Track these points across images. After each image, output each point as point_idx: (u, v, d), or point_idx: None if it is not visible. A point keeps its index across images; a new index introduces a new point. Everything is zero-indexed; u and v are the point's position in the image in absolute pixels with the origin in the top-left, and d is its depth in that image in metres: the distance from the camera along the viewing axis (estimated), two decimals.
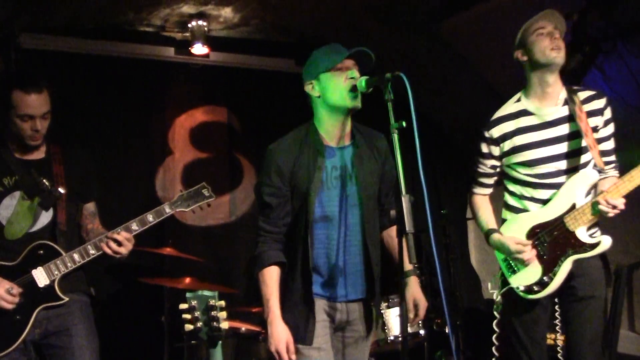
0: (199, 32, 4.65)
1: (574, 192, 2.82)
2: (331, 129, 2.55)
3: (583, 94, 2.87)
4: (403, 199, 2.25)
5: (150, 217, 2.87)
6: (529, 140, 2.88)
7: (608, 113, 2.87)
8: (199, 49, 4.69)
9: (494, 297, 3.00)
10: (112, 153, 4.64)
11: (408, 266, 2.70)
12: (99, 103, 4.63)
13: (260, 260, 2.53)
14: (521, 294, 2.89)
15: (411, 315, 2.62)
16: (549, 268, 2.84)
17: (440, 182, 4.91)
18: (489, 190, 3.12)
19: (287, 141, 2.58)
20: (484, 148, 3.00)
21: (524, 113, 2.91)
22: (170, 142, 4.87)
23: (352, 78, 2.47)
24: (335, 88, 2.49)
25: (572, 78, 3.85)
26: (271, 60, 5.10)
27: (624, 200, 2.73)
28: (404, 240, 2.23)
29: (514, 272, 2.93)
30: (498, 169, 3.04)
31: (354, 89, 2.47)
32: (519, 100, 2.95)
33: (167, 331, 4.11)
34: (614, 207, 2.71)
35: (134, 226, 2.83)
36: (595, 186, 2.84)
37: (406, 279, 2.65)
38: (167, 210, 2.92)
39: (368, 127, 2.68)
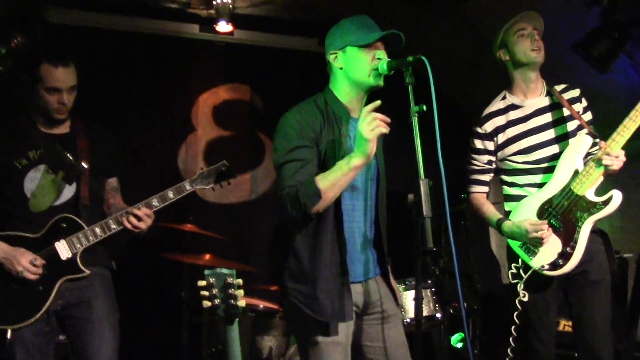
0: (224, 9, 4.64)
1: (573, 158, 2.92)
2: (350, 101, 2.52)
3: (559, 87, 3.07)
4: (421, 182, 2.25)
5: (170, 194, 2.90)
6: (521, 130, 3.02)
7: (585, 101, 3.06)
8: (224, 26, 4.68)
9: (518, 289, 2.97)
10: (136, 129, 4.68)
11: None
12: (123, 79, 4.67)
13: (307, 181, 2.32)
14: (546, 273, 2.88)
15: None
16: (569, 237, 2.87)
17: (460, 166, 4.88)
18: (486, 189, 3.16)
19: (308, 106, 2.51)
20: (478, 144, 3.10)
21: (512, 107, 3.08)
22: (194, 119, 4.90)
23: (378, 59, 2.46)
24: (361, 65, 2.46)
25: (599, 64, 3.81)
26: (294, 39, 5.08)
27: (623, 152, 2.83)
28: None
29: (533, 254, 2.92)
30: (493, 164, 3.11)
31: (377, 69, 2.46)
32: (504, 97, 3.13)
33: (187, 306, 4.17)
34: (616, 157, 2.80)
35: (155, 202, 2.86)
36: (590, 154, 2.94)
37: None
38: (188, 187, 2.94)
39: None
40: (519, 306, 2.94)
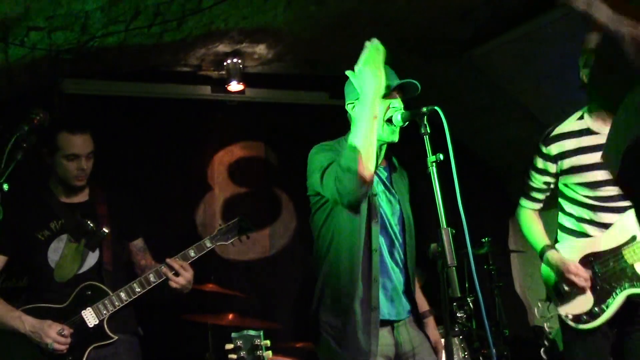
0: (235, 70, 4.73)
1: (636, 223, 2.69)
2: None
3: None
4: (444, 231, 2.24)
5: (191, 253, 2.92)
6: (592, 160, 2.74)
7: None
8: (235, 86, 4.77)
9: (543, 324, 2.92)
10: (153, 192, 4.71)
11: (426, 307, 2.70)
12: (139, 144, 4.74)
13: (342, 154, 2.35)
14: (569, 323, 2.80)
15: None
16: (602, 299, 2.73)
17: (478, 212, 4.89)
18: (539, 206, 3.02)
19: (332, 143, 2.59)
20: (540, 164, 2.91)
21: (587, 132, 2.78)
22: (210, 178, 4.95)
23: (393, 107, 2.49)
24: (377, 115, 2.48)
25: None
26: (305, 94, 5.16)
27: None
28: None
29: (562, 300, 2.83)
30: (552, 186, 2.95)
31: (390, 121, 2.48)
32: (581, 117, 2.83)
33: None
34: None
35: (175, 264, 2.86)
36: None
37: (425, 320, 2.65)
38: (208, 244, 2.97)
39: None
40: (545, 343, 2.90)
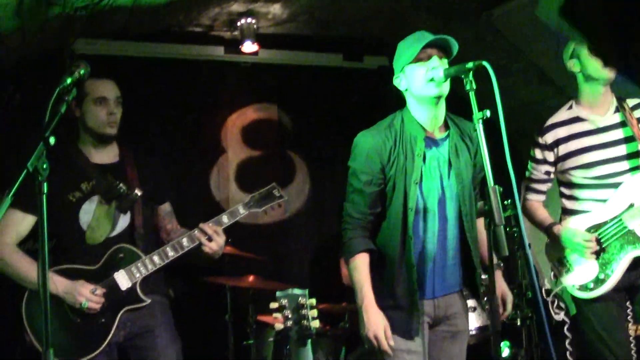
0: (248, 30, 4.64)
1: (632, 192, 2.87)
2: (425, 119, 2.51)
3: (631, 102, 2.98)
4: (491, 190, 2.22)
5: (225, 218, 2.88)
6: (584, 144, 2.96)
7: None
8: (249, 46, 4.68)
9: (548, 298, 3.02)
10: (166, 154, 4.67)
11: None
12: (151, 105, 4.66)
13: (350, 247, 2.50)
14: (576, 292, 2.93)
15: (500, 310, 2.58)
16: (606, 265, 2.87)
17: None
18: (542, 197, 3.16)
19: (381, 128, 2.54)
20: (538, 154, 3.07)
21: (577, 120, 3.00)
22: (223, 141, 4.89)
23: (433, 68, 2.44)
24: (417, 79, 2.46)
25: None
26: (319, 56, 5.08)
27: None
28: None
29: (567, 271, 2.96)
30: (552, 175, 3.10)
31: (433, 79, 2.44)
32: (570, 107, 3.05)
33: (232, 329, 4.14)
34: None
35: (208, 229, 2.82)
36: None
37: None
38: (242, 211, 2.93)
39: (459, 116, 2.64)
40: (566, 319, 2.97)
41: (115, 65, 4.57)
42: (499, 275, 2.64)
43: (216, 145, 4.87)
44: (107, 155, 2.90)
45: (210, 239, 2.80)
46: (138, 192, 2.81)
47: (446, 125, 2.57)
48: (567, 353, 3.06)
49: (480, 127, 2.27)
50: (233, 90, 4.95)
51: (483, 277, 3.77)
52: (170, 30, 4.70)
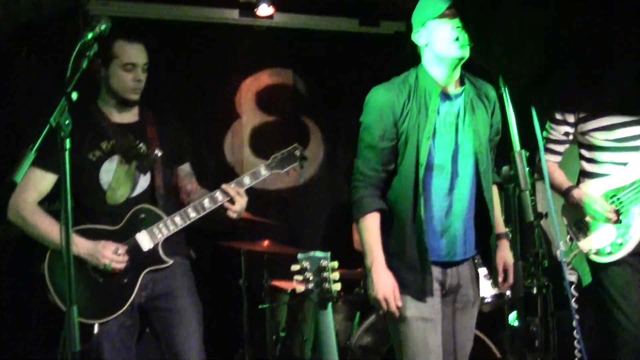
0: None
1: None
2: (441, 77, 2.46)
3: None
4: (517, 154, 2.19)
5: (246, 180, 2.85)
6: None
7: None
8: (264, 9, 4.61)
9: (564, 260, 3.02)
10: (180, 119, 4.62)
11: (501, 228, 2.67)
12: (164, 69, 4.59)
13: (360, 206, 2.44)
14: (592, 256, 2.93)
15: (500, 279, 2.56)
16: (624, 230, 2.87)
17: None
18: (559, 158, 3.15)
19: (395, 83, 2.48)
20: (558, 115, 3.05)
21: None
22: (237, 106, 4.85)
23: (458, 27, 2.38)
24: (441, 37, 2.39)
25: None
26: (335, 20, 4.99)
27: None
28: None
29: (584, 235, 2.96)
30: (570, 136, 3.07)
31: (459, 39, 2.38)
32: None
33: (246, 294, 4.16)
34: None
35: (232, 187, 2.81)
36: None
37: (498, 242, 2.60)
38: (263, 172, 2.89)
39: (476, 77, 2.59)
40: (574, 279, 2.98)
41: (128, 27, 4.53)
42: (505, 245, 2.61)
43: (230, 110, 4.83)
44: (127, 115, 2.86)
45: (232, 201, 2.77)
46: (158, 152, 2.78)
47: (461, 82, 2.52)
48: (574, 322, 3.05)
49: (507, 91, 2.24)
50: (247, 55, 4.88)
51: None
52: None
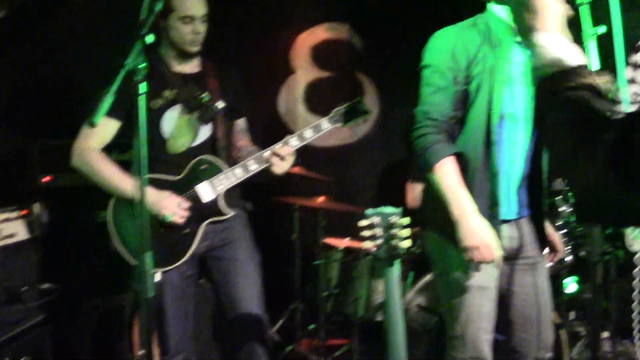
0: None
1: None
2: (513, 21, 2.32)
3: None
4: None
5: (308, 133, 2.80)
6: None
7: None
8: None
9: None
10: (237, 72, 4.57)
11: None
12: (219, 19, 4.52)
13: (435, 151, 2.24)
14: None
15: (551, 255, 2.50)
16: None
17: None
18: None
19: (464, 26, 2.33)
20: (630, 73, 2.94)
21: None
22: (292, 61, 4.76)
23: None
24: None
25: None
26: None
27: None
28: None
29: None
30: (639, 98, 2.93)
31: None
32: None
33: (299, 249, 4.15)
34: None
35: (294, 141, 2.77)
36: None
37: None
38: (326, 125, 2.83)
39: None
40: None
41: None
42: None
43: (285, 65, 4.76)
44: (188, 65, 2.82)
45: (283, 159, 2.72)
46: (221, 104, 2.74)
47: None
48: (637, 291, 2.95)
49: (591, 46, 2.08)
50: (304, 8, 4.77)
51: None
52: None
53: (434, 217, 2.38)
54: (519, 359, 2.47)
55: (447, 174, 2.23)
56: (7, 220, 2.94)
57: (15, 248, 2.98)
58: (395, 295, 2.26)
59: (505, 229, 2.36)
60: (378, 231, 2.19)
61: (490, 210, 2.29)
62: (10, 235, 2.95)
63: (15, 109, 4.01)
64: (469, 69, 2.27)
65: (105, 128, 2.66)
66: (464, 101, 2.30)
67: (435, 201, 2.35)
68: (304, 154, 4.50)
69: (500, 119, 2.28)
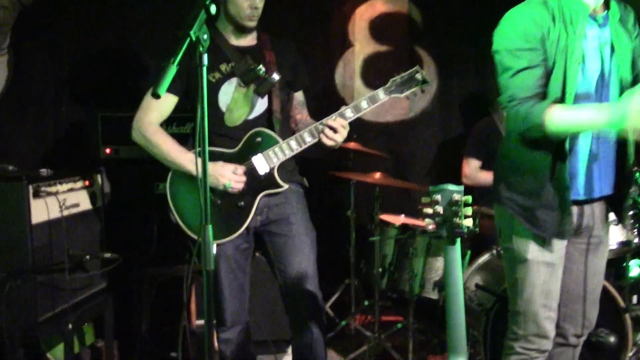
0: None
1: None
2: None
3: None
4: None
5: (364, 104, 2.74)
6: None
7: None
8: None
9: None
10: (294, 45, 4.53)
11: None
12: None
13: (536, 109, 2.12)
14: None
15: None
16: None
17: None
18: None
19: (533, 3, 2.22)
20: None
21: None
22: (350, 34, 4.69)
23: None
24: None
25: None
26: None
27: None
28: None
29: None
30: None
31: None
32: None
33: (354, 225, 4.12)
34: None
35: (349, 113, 2.73)
36: None
37: None
38: (382, 96, 2.77)
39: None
40: None
41: None
42: None
43: (343, 38, 4.69)
44: (245, 39, 2.81)
45: (337, 131, 2.68)
46: (276, 76, 2.72)
47: (606, 4, 2.26)
48: None
49: None
50: None
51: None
52: None
53: (510, 194, 2.34)
54: (562, 334, 2.47)
55: (562, 113, 2.12)
56: (71, 190, 3.01)
57: (80, 217, 3.06)
58: (457, 275, 2.21)
59: (577, 210, 2.31)
60: (440, 209, 2.14)
61: (559, 194, 2.24)
62: (75, 205, 3.02)
63: (78, 81, 4.10)
64: (544, 47, 2.18)
65: (165, 103, 2.68)
66: (546, 78, 2.20)
67: (508, 177, 2.34)
68: (361, 130, 4.49)
69: (575, 99, 2.19)
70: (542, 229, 2.27)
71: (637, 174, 3.58)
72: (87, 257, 2.93)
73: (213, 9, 1.78)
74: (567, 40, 2.17)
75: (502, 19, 2.26)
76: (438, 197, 2.14)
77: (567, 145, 2.20)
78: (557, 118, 2.10)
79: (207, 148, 1.77)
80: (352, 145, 3.99)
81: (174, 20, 3.80)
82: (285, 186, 2.72)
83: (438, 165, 4.77)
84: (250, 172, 2.68)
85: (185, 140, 2.93)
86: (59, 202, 2.84)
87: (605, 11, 2.26)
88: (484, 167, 4.09)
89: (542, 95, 2.19)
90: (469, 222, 2.15)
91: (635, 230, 3.41)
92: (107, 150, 3.49)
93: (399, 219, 3.99)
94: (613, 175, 2.35)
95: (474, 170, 4.11)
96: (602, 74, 2.24)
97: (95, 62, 4.12)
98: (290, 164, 2.82)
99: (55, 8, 4.03)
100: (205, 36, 1.77)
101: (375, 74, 4.65)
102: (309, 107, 3.03)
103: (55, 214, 2.85)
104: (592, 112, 2.10)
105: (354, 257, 4.15)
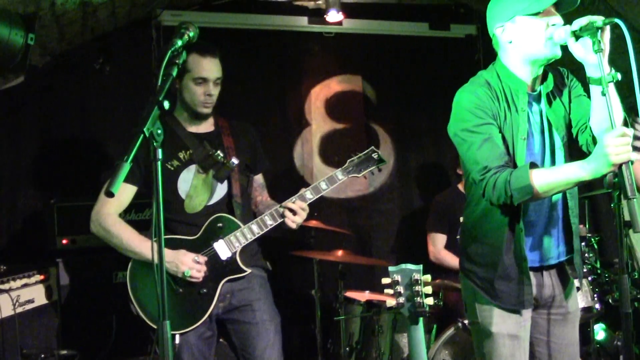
0: None
1: None
2: (526, 77, 2.28)
3: None
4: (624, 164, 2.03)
5: (323, 185, 2.79)
6: None
7: None
8: (334, 16, 4.52)
9: None
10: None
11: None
12: (234, 76, 4.58)
13: (517, 175, 2.10)
14: None
15: None
16: None
17: None
18: None
19: (476, 84, 2.29)
20: None
21: None
22: (307, 113, 4.78)
23: (553, 25, 2.18)
24: (534, 35, 2.19)
25: None
26: (405, 25, 4.88)
27: None
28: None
29: None
30: None
31: (552, 38, 2.18)
32: None
33: (319, 304, 4.08)
34: None
35: (308, 194, 2.76)
36: None
37: None
38: (340, 176, 2.82)
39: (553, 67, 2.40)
40: None
41: (199, 36, 4.53)
42: None
43: (300, 117, 4.78)
44: (202, 125, 2.85)
45: (297, 213, 2.71)
46: (235, 161, 2.75)
47: (543, 77, 2.34)
48: None
49: (609, 92, 2.06)
50: (316, 61, 4.83)
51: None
52: (254, 0, 4.62)
53: (470, 266, 2.37)
54: None
55: (545, 172, 2.13)
56: (25, 285, 2.94)
57: (35, 313, 2.97)
58: (422, 354, 2.21)
59: (535, 279, 2.32)
60: (401, 288, 2.16)
61: (518, 264, 2.27)
62: (29, 301, 2.94)
63: (34, 171, 4.06)
64: (496, 122, 2.25)
65: (123, 194, 2.68)
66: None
67: (468, 249, 2.36)
68: (322, 206, 4.52)
69: None
70: (502, 300, 2.28)
71: (593, 240, 3.69)
72: (42, 355, 2.82)
73: (166, 104, 1.80)
74: (511, 117, 2.25)
75: (453, 103, 2.33)
76: (398, 277, 2.16)
77: (521, 215, 2.24)
78: (542, 178, 2.10)
79: (164, 248, 1.75)
80: (313, 223, 4.00)
81: (133, 110, 3.84)
82: (248, 270, 2.70)
83: (401, 239, 4.80)
84: (213, 258, 2.66)
85: (145, 226, 2.90)
86: (11, 299, 2.76)
87: (543, 83, 2.34)
88: (449, 239, 4.13)
89: (511, 162, 2.23)
90: (430, 301, 2.17)
91: (596, 296, 3.46)
92: (64, 241, 3.43)
93: (364, 295, 3.96)
94: (569, 240, 2.38)
95: (439, 246, 4.16)
96: (544, 145, 2.31)
97: (52, 152, 4.10)
98: (252, 247, 2.81)
99: (14, 98, 4.03)
100: (159, 131, 1.78)
101: (333, 151, 4.73)
102: (269, 186, 3.06)
103: (8, 312, 2.76)
104: (574, 167, 2.08)
105: (321, 337, 4.08)
